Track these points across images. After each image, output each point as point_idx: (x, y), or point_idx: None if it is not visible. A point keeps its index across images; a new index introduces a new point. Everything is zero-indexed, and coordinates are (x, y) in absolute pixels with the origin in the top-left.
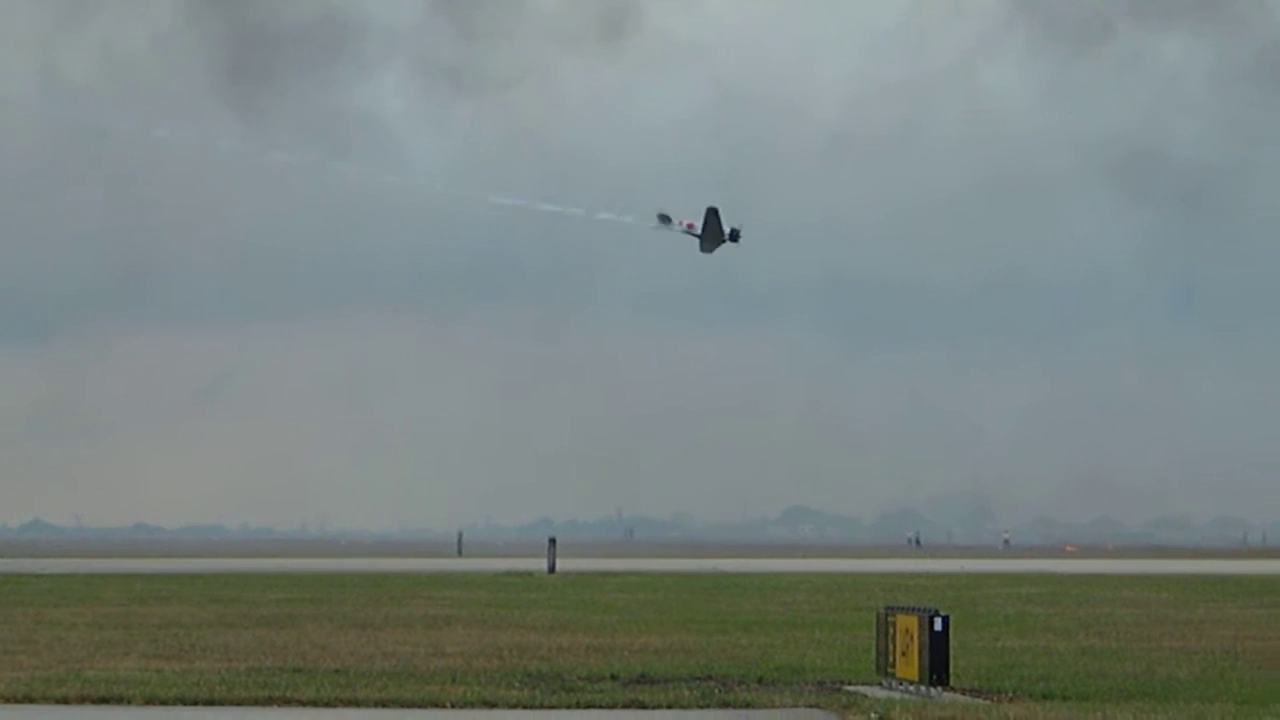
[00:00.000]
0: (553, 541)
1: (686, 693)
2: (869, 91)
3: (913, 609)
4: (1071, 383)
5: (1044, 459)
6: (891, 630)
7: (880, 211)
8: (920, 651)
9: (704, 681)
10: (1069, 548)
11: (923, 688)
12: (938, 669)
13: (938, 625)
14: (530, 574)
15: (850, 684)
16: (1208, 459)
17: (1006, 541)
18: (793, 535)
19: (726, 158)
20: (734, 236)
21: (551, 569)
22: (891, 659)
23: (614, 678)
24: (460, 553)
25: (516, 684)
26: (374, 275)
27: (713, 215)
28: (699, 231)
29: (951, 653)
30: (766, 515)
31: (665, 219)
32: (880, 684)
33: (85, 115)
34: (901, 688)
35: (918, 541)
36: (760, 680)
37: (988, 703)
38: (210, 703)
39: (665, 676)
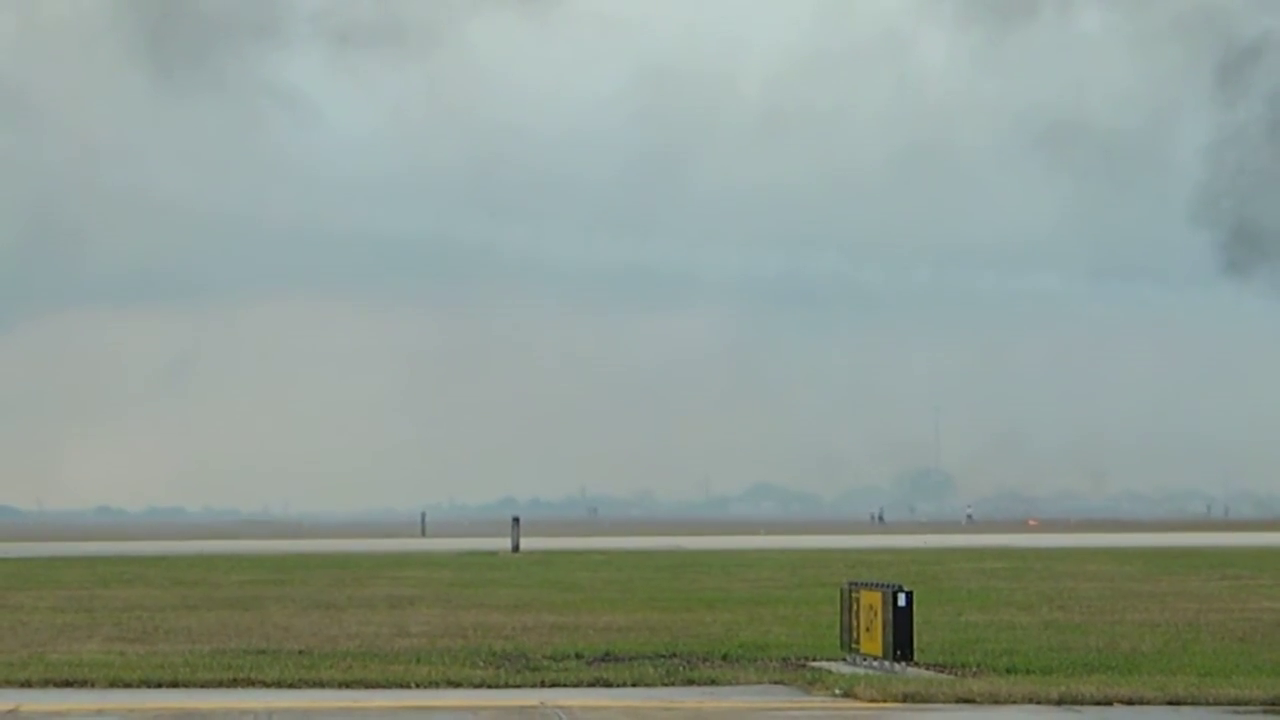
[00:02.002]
0: (516, 520)
1: (651, 670)
2: (795, 64)
3: (876, 585)
4: (1027, 356)
5: (1007, 434)
6: (855, 606)
7: (816, 183)
8: (884, 627)
9: (669, 659)
10: (1031, 522)
11: (887, 663)
12: (901, 644)
13: (901, 601)
14: (494, 553)
15: (815, 660)
16: (1166, 431)
17: (969, 516)
18: (756, 512)
19: (655, 134)
20: None
21: (515, 548)
22: (855, 635)
23: (578, 656)
24: (423, 533)
25: (481, 663)
26: (321, 253)
27: None
28: None
29: (915, 628)
30: (729, 492)
31: None
32: (844, 660)
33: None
34: (866, 663)
35: (881, 517)
36: (725, 657)
37: (952, 677)
38: (174, 685)
39: (630, 654)
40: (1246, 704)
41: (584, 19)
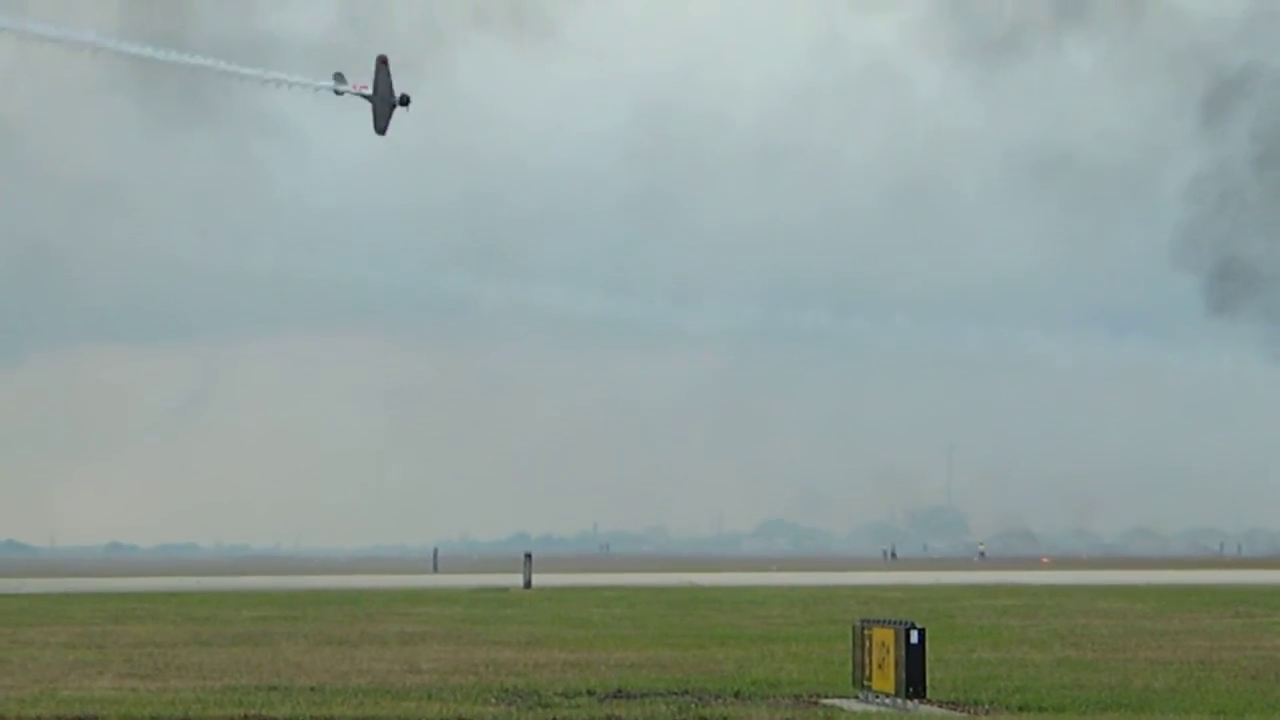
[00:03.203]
0: (528, 557)
1: (663, 707)
2: (789, 102)
3: (889, 622)
4: (1039, 393)
5: (1017, 471)
6: (868, 643)
7: (808, 222)
8: (896, 664)
9: (680, 696)
10: (1044, 559)
11: (899, 700)
12: (914, 681)
13: (914, 638)
14: (506, 590)
15: (827, 697)
16: (1179, 469)
17: (982, 554)
18: (768, 548)
19: (649, 171)
20: (404, 101)
21: (527, 584)
22: (868, 672)
23: (590, 693)
24: (436, 569)
25: (492, 700)
26: (319, 291)
27: (383, 67)
28: (370, 92)
29: (928, 665)
30: (741, 529)
31: (339, 78)
32: (857, 697)
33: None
34: (878, 701)
35: (893, 554)
36: (737, 694)
37: (964, 715)
38: None
39: (641, 691)
40: None
41: (577, 54)
